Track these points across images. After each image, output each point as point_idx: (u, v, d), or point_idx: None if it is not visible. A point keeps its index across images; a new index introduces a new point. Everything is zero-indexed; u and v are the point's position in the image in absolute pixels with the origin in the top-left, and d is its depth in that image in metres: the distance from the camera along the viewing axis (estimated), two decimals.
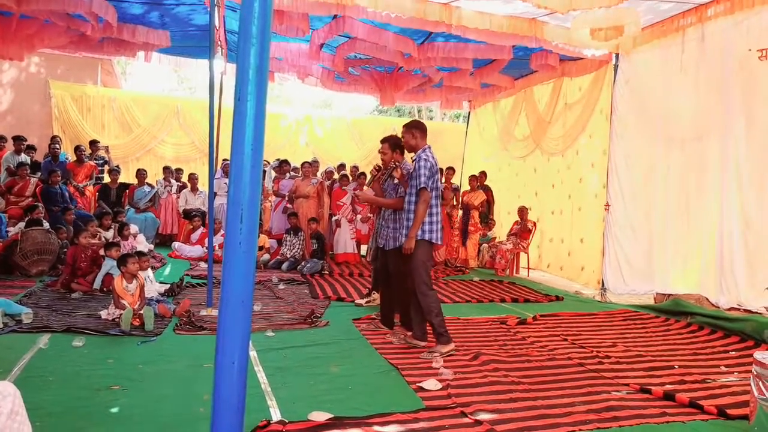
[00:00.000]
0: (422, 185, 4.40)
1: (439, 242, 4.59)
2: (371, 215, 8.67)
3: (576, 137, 8.52)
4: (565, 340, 5.02)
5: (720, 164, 6.20)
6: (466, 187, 10.56)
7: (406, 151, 4.86)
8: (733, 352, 4.81)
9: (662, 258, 6.99)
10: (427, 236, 4.46)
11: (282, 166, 10.27)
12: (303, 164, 9.75)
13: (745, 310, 5.68)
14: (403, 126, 4.76)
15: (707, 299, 6.12)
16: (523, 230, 9.26)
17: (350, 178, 10.14)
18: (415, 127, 4.68)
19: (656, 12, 6.49)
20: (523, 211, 9.34)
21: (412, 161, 4.66)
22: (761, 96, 5.81)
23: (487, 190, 10.21)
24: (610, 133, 7.61)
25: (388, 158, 4.93)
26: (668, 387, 3.77)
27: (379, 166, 5.07)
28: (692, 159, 6.61)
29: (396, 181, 4.86)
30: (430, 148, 4.61)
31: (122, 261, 5.19)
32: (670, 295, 6.54)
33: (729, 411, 3.34)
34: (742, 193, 5.96)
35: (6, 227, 7.43)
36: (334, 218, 9.58)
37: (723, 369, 4.32)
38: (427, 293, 4.47)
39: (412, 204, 4.48)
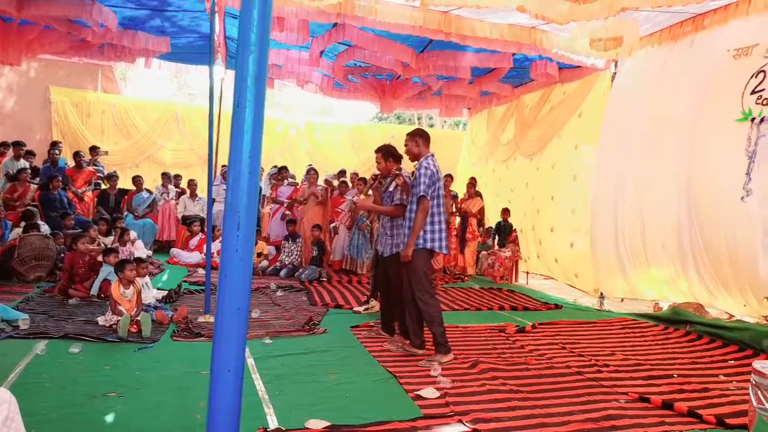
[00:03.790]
0: (422, 194, 4.40)
1: (444, 251, 4.56)
2: (368, 222, 8.64)
3: (550, 139, 8.58)
4: (564, 348, 5.00)
5: (696, 169, 6.15)
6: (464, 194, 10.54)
7: (409, 160, 4.82)
8: (732, 361, 4.80)
9: (653, 267, 6.94)
10: (428, 245, 4.44)
11: (281, 172, 10.26)
12: (309, 170, 9.69)
13: (739, 320, 5.66)
14: (407, 134, 4.77)
15: (703, 307, 6.10)
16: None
17: (349, 185, 10.13)
18: (418, 135, 4.67)
19: (655, 22, 6.51)
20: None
21: (414, 169, 4.66)
22: (731, 93, 5.75)
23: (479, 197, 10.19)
24: (600, 140, 7.59)
25: (382, 167, 4.98)
26: (667, 396, 3.76)
27: (376, 175, 5.13)
28: (679, 164, 6.52)
29: (391, 189, 4.88)
30: (432, 156, 4.61)
31: (119, 267, 5.19)
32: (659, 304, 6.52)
33: (728, 420, 3.33)
34: (718, 199, 5.92)
35: (9, 232, 7.41)
36: (332, 225, 9.56)
37: (722, 378, 4.31)
38: (428, 301, 4.45)
39: (412, 212, 4.48)
